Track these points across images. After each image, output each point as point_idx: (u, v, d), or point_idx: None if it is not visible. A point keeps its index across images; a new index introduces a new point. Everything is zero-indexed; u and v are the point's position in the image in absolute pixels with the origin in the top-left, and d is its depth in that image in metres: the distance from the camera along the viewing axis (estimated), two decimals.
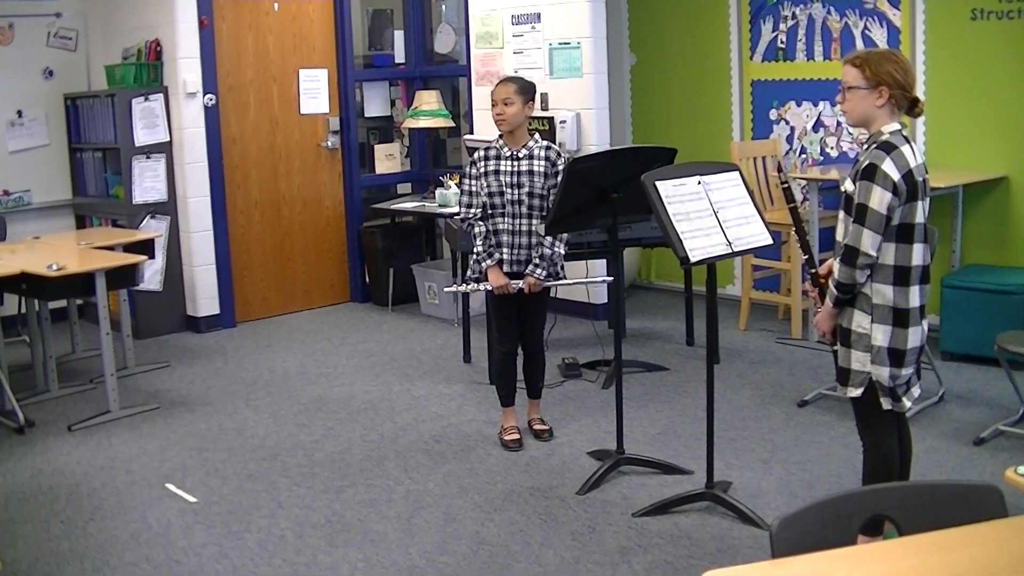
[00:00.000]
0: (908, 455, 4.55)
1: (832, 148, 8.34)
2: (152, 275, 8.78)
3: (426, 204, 9.27)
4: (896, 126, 4.21)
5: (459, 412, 6.78)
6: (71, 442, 6.53)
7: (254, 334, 8.98)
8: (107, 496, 5.68)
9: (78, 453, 6.33)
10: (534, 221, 5.88)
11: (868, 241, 4.12)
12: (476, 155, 6.00)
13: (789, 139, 8.60)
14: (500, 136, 5.96)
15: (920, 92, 7.58)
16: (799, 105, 8.50)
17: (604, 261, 7.95)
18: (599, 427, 6.36)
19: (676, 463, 5.68)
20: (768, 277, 8.53)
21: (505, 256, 5.94)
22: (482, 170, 5.93)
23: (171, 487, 5.76)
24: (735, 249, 4.85)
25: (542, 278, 5.89)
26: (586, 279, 6.70)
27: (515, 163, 5.87)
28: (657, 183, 4.77)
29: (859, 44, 7.95)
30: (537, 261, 5.87)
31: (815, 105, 8.38)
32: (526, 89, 5.87)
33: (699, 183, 4.89)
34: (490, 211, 5.94)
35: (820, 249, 7.32)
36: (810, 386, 6.81)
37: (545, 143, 5.95)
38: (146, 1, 8.88)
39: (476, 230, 5.96)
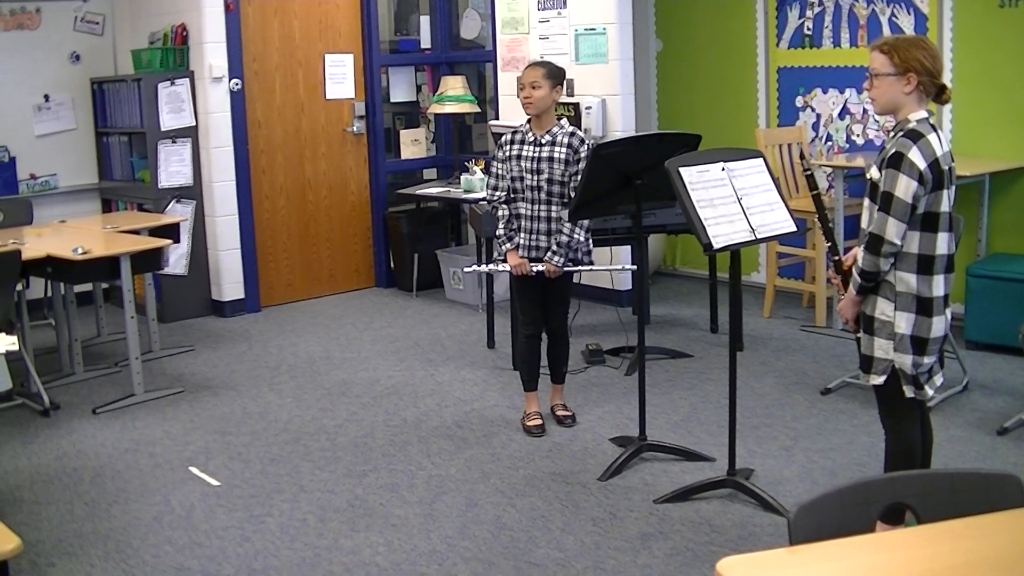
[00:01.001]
0: (929, 444, 4.54)
1: (858, 136, 8.30)
2: (177, 259, 8.82)
3: (451, 189, 9.27)
4: (924, 114, 4.18)
5: (482, 397, 6.79)
6: (96, 425, 6.57)
7: (279, 318, 9.01)
8: (131, 479, 5.71)
9: (102, 436, 6.37)
10: (553, 207, 5.87)
11: (893, 229, 4.09)
12: (504, 138, 6.01)
13: (815, 126, 8.56)
14: (528, 120, 5.96)
15: (947, 80, 7.53)
16: (825, 92, 8.46)
17: (629, 247, 7.94)
18: (622, 413, 6.36)
19: (698, 450, 5.68)
20: (793, 264, 8.50)
21: (523, 241, 5.95)
22: (508, 154, 5.94)
23: (194, 470, 5.79)
24: (759, 236, 4.84)
25: (560, 265, 5.88)
26: (608, 267, 6.68)
27: (537, 148, 5.86)
28: (681, 169, 4.75)
29: (886, 31, 7.90)
30: (555, 248, 5.87)
31: (841, 92, 8.34)
32: (554, 74, 5.86)
33: (723, 169, 4.87)
34: (512, 195, 5.94)
35: (845, 237, 7.30)
36: (834, 374, 6.79)
37: (570, 129, 5.93)
38: None
39: (500, 213, 5.97)
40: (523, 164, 5.88)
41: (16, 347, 4.70)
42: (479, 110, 9.84)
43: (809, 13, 8.46)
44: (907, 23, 7.81)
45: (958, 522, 2.45)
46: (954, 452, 5.55)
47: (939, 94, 4.23)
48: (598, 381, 7.00)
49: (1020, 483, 2.57)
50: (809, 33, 8.49)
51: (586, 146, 5.83)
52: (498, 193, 5.97)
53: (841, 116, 8.38)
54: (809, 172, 4.69)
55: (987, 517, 2.47)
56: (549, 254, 5.89)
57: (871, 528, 2.51)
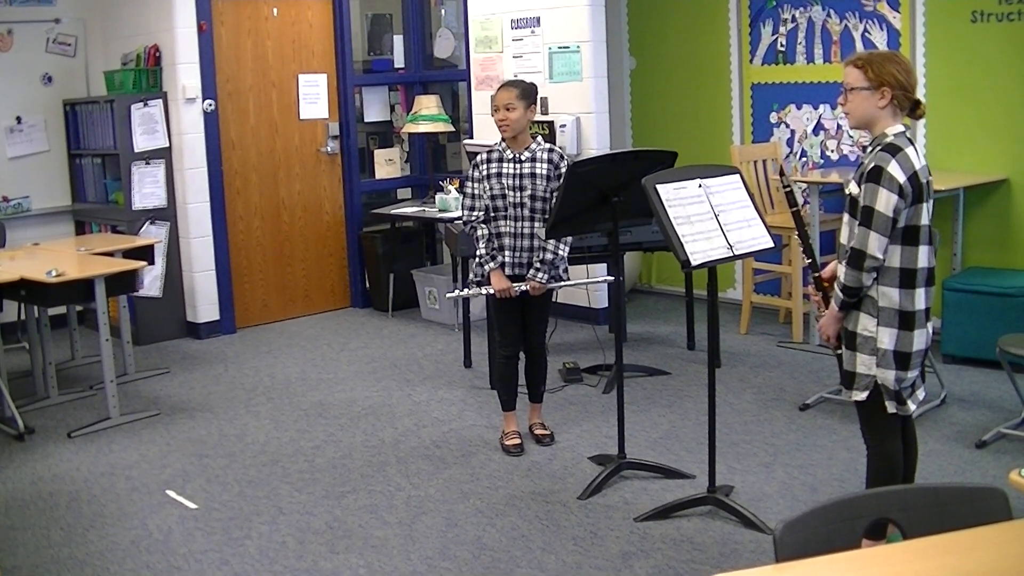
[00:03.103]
0: (914, 459, 4.54)
1: (832, 151, 8.32)
2: (152, 281, 8.77)
3: (426, 209, 9.26)
4: (900, 128, 4.20)
5: (460, 417, 6.77)
6: (71, 449, 6.51)
7: (254, 340, 8.97)
8: (107, 503, 5.66)
9: (78, 460, 6.32)
10: (536, 224, 5.87)
11: (875, 244, 4.10)
12: (479, 158, 5.99)
13: (789, 142, 8.58)
14: (503, 139, 5.95)
15: (920, 94, 7.55)
16: (799, 108, 8.49)
17: (605, 265, 7.93)
18: (600, 432, 6.35)
19: (678, 467, 5.66)
20: (769, 281, 8.52)
21: (507, 259, 5.93)
22: (484, 173, 5.92)
23: (171, 493, 5.75)
24: (736, 252, 4.84)
25: (544, 281, 5.88)
26: (587, 279, 6.67)
27: (518, 166, 5.85)
28: (658, 186, 4.75)
29: (859, 47, 7.94)
30: (538, 265, 5.86)
31: (815, 108, 8.37)
32: (528, 93, 5.86)
33: (700, 186, 4.87)
34: (493, 214, 5.93)
35: (821, 252, 7.31)
36: (812, 389, 6.79)
37: (547, 145, 5.94)
38: (145, 7, 8.88)
39: (479, 233, 5.95)
40: (504, 182, 5.86)
41: None
42: (453, 129, 9.84)
43: (782, 29, 8.49)
44: (880, 38, 7.84)
45: (944, 537, 2.44)
46: (933, 466, 5.55)
47: (913, 109, 4.25)
48: (576, 399, 6.99)
49: (1005, 497, 2.57)
50: (783, 49, 8.52)
51: (565, 161, 5.83)
52: (476, 213, 5.94)
53: (815, 132, 8.41)
54: (789, 189, 4.70)
55: (972, 531, 2.46)
56: (532, 271, 5.88)
57: (857, 544, 2.49)
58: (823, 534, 2.45)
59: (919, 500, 2.57)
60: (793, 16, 8.40)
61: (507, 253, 5.92)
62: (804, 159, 8.49)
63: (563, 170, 5.75)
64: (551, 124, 8.52)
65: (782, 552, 2.38)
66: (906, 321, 4.19)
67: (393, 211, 9.56)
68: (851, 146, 8.19)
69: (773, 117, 8.68)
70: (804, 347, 7.74)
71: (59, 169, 9.53)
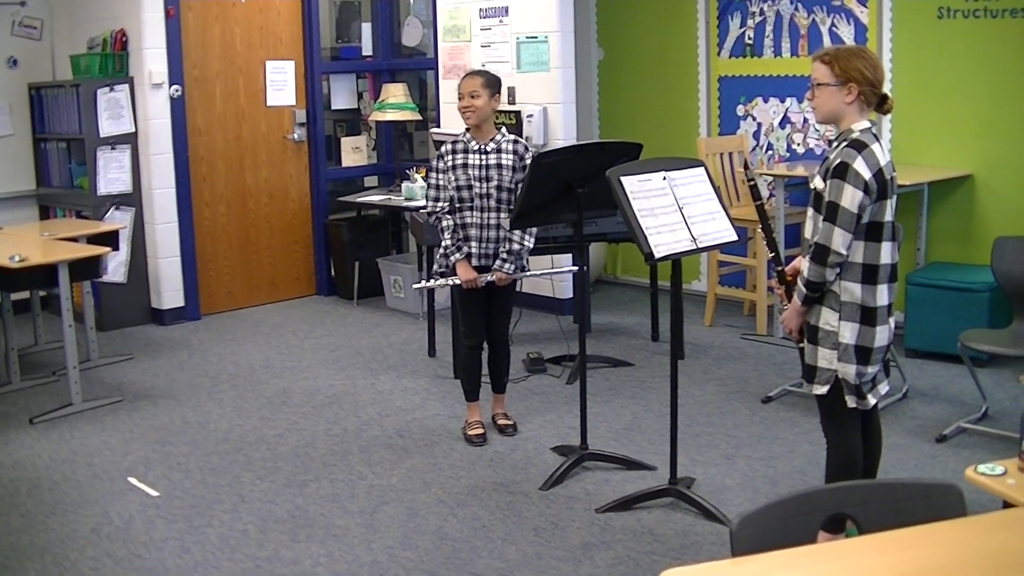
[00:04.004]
0: (878, 453, 4.57)
1: (799, 145, 8.35)
2: (116, 267, 8.73)
3: (392, 197, 9.24)
4: (866, 124, 4.21)
5: (423, 406, 6.77)
6: (33, 435, 6.48)
7: (219, 327, 8.93)
8: (68, 490, 5.64)
9: (39, 446, 6.29)
10: (502, 215, 5.87)
11: (839, 239, 4.11)
12: (443, 148, 5.98)
13: (756, 135, 8.61)
14: (467, 130, 5.95)
15: (887, 90, 7.58)
16: (766, 101, 8.51)
17: (570, 256, 7.94)
18: (563, 422, 6.36)
19: (640, 459, 5.68)
20: (734, 273, 8.55)
21: (474, 250, 5.93)
22: (450, 164, 5.91)
23: (133, 481, 5.73)
24: (700, 245, 4.85)
25: (510, 272, 5.88)
26: (552, 270, 6.68)
27: (483, 156, 5.85)
28: (622, 178, 4.76)
29: (826, 41, 7.97)
30: (505, 256, 5.86)
31: (782, 101, 8.40)
32: (492, 83, 5.87)
33: (664, 179, 4.88)
34: (458, 205, 5.92)
35: (786, 245, 7.35)
36: (775, 382, 6.83)
37: (512, 136, 5.95)
38: None
39: (444, 224, 5.94)
40: (471, 172, 5.86)
41: None
42: (420, 118, 9.82)
43: (750, 22, 8.51)
44: (847, 33, 7.87)
45: (900, 532, 2.46)
46: (894, 459, 5.58)
47: (880, 104, 4.27)
48: (539, 390, 7.00)
49: (960, 493, 2.59)
50: (750, 42, 8.54)
51: (530, 153, 5.84)
52: (440, 204, 5.94)
53: (782, 125, 8.44)
54: (753, 182, 4.71)
55: (928, 527, 2.48)
56: (499, 262, 5.88)
57: (814, 538, 2.51)
58: (779, 528, 2.46)
59: (875, 495, 2.59)
60: (761, 9, 8.42)
61: (473, 244, 5.92)
62: (770, 152, 8.52)
63: (528, 161, 5.75)
64: (518, 114, 8.52)
65: (738, 546, 2.40)
66: (868, 316, 4.21)
67: (359, 199, 9.53)
68: (817, 139, 8.23)
69: (740, 110, 8.70)
70: (768, 339, 7.78)
71: (24, 153, 9.45)
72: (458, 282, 5.92)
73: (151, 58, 8.66)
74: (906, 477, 5.26)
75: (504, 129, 5.99)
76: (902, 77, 7.65)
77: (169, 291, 8.99)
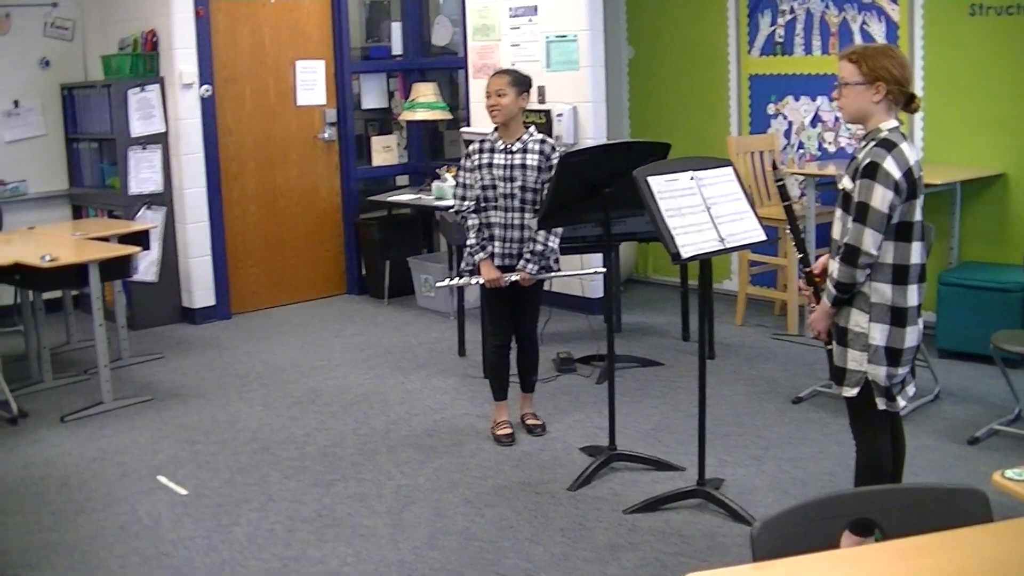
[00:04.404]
0: (901, 456, 4.53)
1: (830, 143, 8.31)
2: (147, 266, 8.77)
3: (422, 196, 9.25)
4: (894, 123, 4.17)
5: (452, 406, 6.77)
6: (63, 433, 6.52)
7: (249, 326, 8.96)
8: (98, 488, 5.67)
9: (70, 444, 6.32)
10: (526, 215, 5.86)
11: (869, 240, 4.07)
12: (471, 147, 5.99)
13: (787, 134, 8.57)
14: (495, 129, 5.94)
15: (918, 88, 7.56)
16: (797, 100, 8.47)
17: (600, 255, 7.92)
18: (592, 422, 6.34)
19: (668, 459, 5.66)
20: (765, 272, 8.50)
21: (497, 249, 5.92)
22: (476, 163, 5.92)
23: (162, 479, 5.75)
24: (728, 245, 4.83)
25: (534, 273, 5.87)
26: (578, 272, 6.66)
27: (508, 156, 5.85)
28: (649, 178, 4.74)
29: (857, 39, 7.91)
30: (528, 256, 5.85)
31: (813, 100, 8.35)
32: (520, 81, 5.85)
33: (692, 178, 4.86)
34: (483, 204, 5.92)
35: (817, 245, 7.31)
36: (805, 383, 6.78)
37: (540, 136, 5.93)
38: None
39: (469, 223, 5.95)
40: (495, 172, 5.86)
41: None
42: (451, 117, 9.82)
43: (780, 20, 8.47)
44: (878, 31, 7.82)
45: (923, 538, 2.43)
46: (924, 461, 5.55)
47: (908, 103, 4.22)
48: (569, 389, 6.99)
49: (985, 498, 2.56)
50: (780, 40, 8.50)
51: (557, 152, 5.82)
52: (467, 203, 5.94)
53: (813, 124, 8.39)
54: (781, 182, 4.68)
55: (951, 533, 2.46)
56: (522, 262, 5.88)
57: (836, 543, 2.49)
58: (801, 533, 2.44)
59: (899, 500, 2.57)
60: (791, 7, 8.38)
61: (497, 243, 5.92)
62: (801, 151, 8.47)
63: (555, 161, 5.73)
64: (548, 113, 8.51)
65: (760, 550, 2.38)
66: (898, 317, 4.18)
67: (389, 198, 9.55)
68: (848, 138, 8.18)
69: (771, 108, 8.66)
70: (799, 339, 7.74)
71: (56, 153, 9.52)
72: (481, 281, 5.92)
73: (181, 58, 8.70)
74: (930, 481, 5.23)
75: (533, 128, 5.98)
76: (934, 75, 7.60)
77: (200, 290, 9.03)
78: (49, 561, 4.85)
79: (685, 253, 4.66)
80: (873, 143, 4.11)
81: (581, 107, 8.44)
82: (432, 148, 10.48)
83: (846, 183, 4.19)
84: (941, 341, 7.20)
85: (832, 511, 2.51)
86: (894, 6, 7.73)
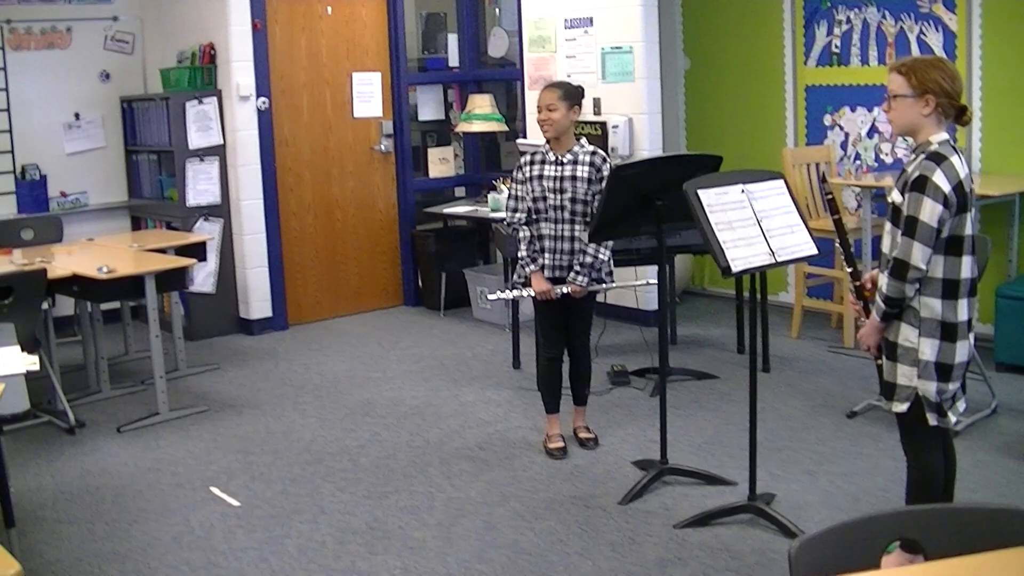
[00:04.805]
0: (952, 472, 4.47)
1: (887, 155, 8.23)
2: (205, 277, 8.85)
3: (478, 208, 9.26)
4: (944, 136, 4.13)
5: (506, 419, 6.77)
6: (119, 443, 6.58)
7: (305, 337, 9.01)
8: (152, 498, 5.72)
9: (125, 454, 6.39)
10: (577, 227, 5.86)
11: (918, 254, 4.04)
12: (522, 160, 6.00)
13: (843, 145, 8.50)
14: (547, 141, 5.94)
15: (976, 98, 7.49)
16: (853, 111, 8.40)
17: (655, 268, 7.89)
18: (645, 436, 6.32)
19: (720, 474, 5.63)
20: (822, 284, 8.43)
21: (547, 261, 5.93)
22: (527, 175, 5.92)
23: (215, 490, 5.79)
24: (778, 259, 4.79)
25: (584, 285, 5.86)
26: (630, 283, 6.65)
27: (559, 168, 5.85)
28: (699, 191, 4.72)
29: (914, 49, 7.84)
30: (578, 268, 5.85)
31: (869, 111, 8.27)
32: (571, 94, 5.85)
33: (742, 191, 4.84)
34: (535, 216, 5.92)
35: (873, 257, 7.24)
36: (860, 396, 6.71)
37: (591, 148, 5.92)
38: (201, 5, 8.95)
39: (521, 235, 5.95)
40: (545, 184, 5.86)
41: (36, 367, 4.72)
42: (506, 128, 9.83)
43: (837, 31, 8.41)
44: (935, 40, 7.74)
45: (964, 559, 2.40)
46: (980, 477, 5.48)
47: (959, 115, 4.18)
48: (622, 402, 6.97)
49: None
50: (837, 51, 8.44)
51: (608, 164, 5.82)
52: (518, 215, 5.95)
53: (869, 135, 8.32)
54: (830, 196, 4.65)
55: (994, 554, 2.42)
56: (572, 274, 5.87)
57: (876, 564, 2.46)
58: (841, 553, 2.41)
59: (940, 520, 2.53)
60: (848, 17, 8.31)
61: (547, 255, 5.92)
62: (858, 162, 8.40)
63: (605, 173, 5.72)
64: (603, 125, 8.49)
65: (797, 571, 2.35)
66: (948, 332, 4.13)
67: (445, 210, 9.58)
68: (906, 150, 8.10)
69: (827, 119, 8.59)
70: (855, 352, 7.65)
71: (116, 165, 9.64)
72: (532, 294, 5.92)
73: (239, 71, 8.78)
74: (979, 499, 5.16)
75: (584, 140, 5.97)
76: (992, 85, 7.51)
77: (257, 301, 9.09)
78: (102, 571, 4.90)
79: (735, 267, 4.64)
80: (923, 156, 4.08)
81: (636, 119, 8.42)
82: (488, 160, 10.50)
83: (895, 196, 4.15)
84: (999, 354, 7.10)
85: (872, 531, 2.47)
86: (952, 15, 7.65)
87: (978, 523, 2.51)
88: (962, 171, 4.06)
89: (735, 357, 7.83)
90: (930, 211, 3.99)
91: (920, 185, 4.01)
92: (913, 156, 4.18)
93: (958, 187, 4.02)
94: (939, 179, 3.98)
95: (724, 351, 8.00)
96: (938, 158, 4.04)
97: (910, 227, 4.04)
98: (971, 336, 4.23)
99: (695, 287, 9.92)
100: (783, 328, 8.35)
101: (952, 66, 4.20)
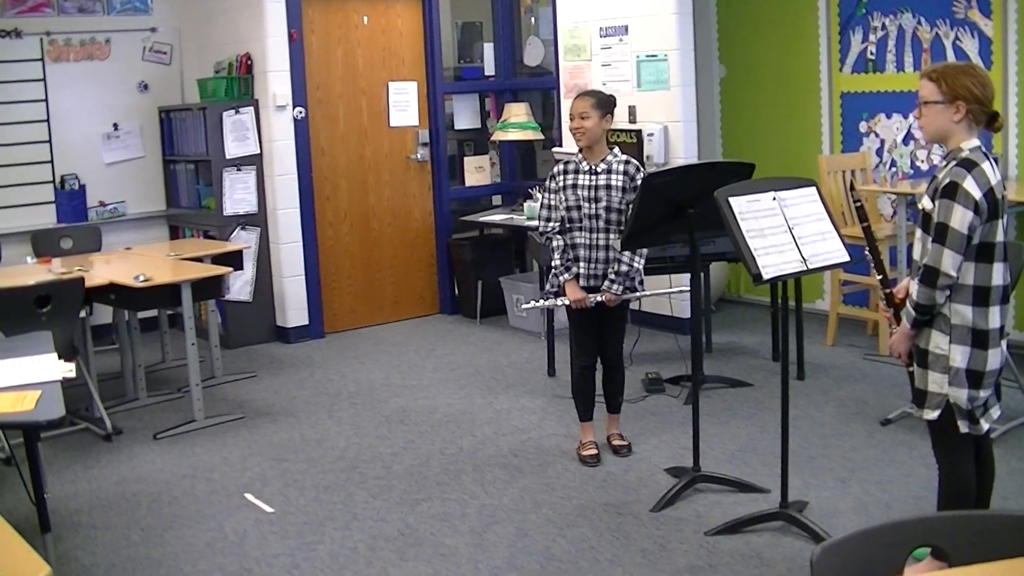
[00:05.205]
0: (990, 480, 4.44)
1: (922, 161, 8.19)
2: (242, 286, 8.91)
3: (514, 216, 9.29)
4: (975, 142, 4.12)
5: (540, 426, 6.77)
6: (156, 450, 6.63)
7: (342, 345, 9.05)
8: (187, 504, 5.76)
9: (162, 461, 6.43)
10: (611, 235, 5.86)
11: (949, 261, 4.02)
12: (556, 168, 6.00)
13: (879, 152, 8.46)
14: (580, 150, 5.95)
15: (1013, 104, 7.45)
16: (889, 117, 8.36)
17: (689, 275, 7.88)
18: (678, 443, 6.31)
19: (753, 481, 5.62)
20: (857, 292, 8.39)
21: (582, 270, 5.93)
22: (560, 184, 5.93)
23: (249, 497, 5.83)
24: (810, 266, 4.79)
25: (619, 293, 5.87)
26: (662, 291, 6.64)
27: (593, 177, 5.85)
28: (731, 199, 4.72)
29: (950, 55, 7.80)
30: (613, 276, 5.85)
31: (905, 118, 8.23)
32: (604, 103, 5.86)
33: (774, 199, 4.83)
34: (568, 225, 5.93)
35: (908, 264, 7.19)
36: (895, 404, 6.68)
37: (624, 157, 5.93)
38: (238, 15, 9.02)
39: (554, 244, 5.96)
40: (580, 193, 5.87)
41: (73, 374, 4.77)
42: (542, 137, 9.84)
43: (872, 37, 8.38)
44: (971, 47, 7.70)
45: (989, 566, 2.39)
46: (1015, 485, 5.44)
47: (990, 122, 4.16)
48: (656, 410, 6.96)
49: None
50: (872, 58, 8.41)
51: (642, 173, 5.82)
52: (551, 224, 5.96)
53: (905, 142, 8.28)
54: (859, 203, 4.63)
55: (1019, 561, 2.41)
56: (607, 283, 5.88)
57: (899, 571, 2.46)
58: (863, 560, 2.41)
59: (965, 527, 2.52)
60: (883, 24, 8.28)
61: (582, 264, 5.93)
62: (893, 169, 8.36)
63: (639, 182, 5.72)
64: (639, 133, 8.50)
65: None
66: (980, 340, 4.11)
67: (481, 218, 9.60)
68: (942, 156, 8.04)
69: (863, 126, 8.56)
70: (890, 360, 7.56)
71: (154, 175, 9.71)
72: (567, 302, 5.93)
73: (275, 80, 8.84)
74: (1000, 508, 5.13)
75: (617, 149, 5.98)
76: None
77: (293, 309, 9.14)
78: None
79: (766, 274, 4.64)
80: (954, 163, 4.06)
81: (672, 127, 8.42)
82: (525, 168, 10.51)
83: (926, 203, 4.14)
84: None
85: (896, 538, 2.47)
86: (988, 21, 7.61)
87: (1004, 530, 2.50)
88: (993, 178, 4.04)
89: (770, 365, 7.81)
90: (960, 218, 3.98)
91: (951, 191, 4.00)
92: (944, 163, 4.16)
93: (989, 193, 4.00)
94: (970, 185, 3.97)
95: (759, 359, 7.98)
96: (969, 164, 4.02)
97: (940, 234, 4.03)
98: (1004, 343, 4.21)
99: (731, 295, 9.90)
100: (819, 336, 8.32)
101: (983, 72, 4.18)
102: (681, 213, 5.44)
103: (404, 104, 9.66)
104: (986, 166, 4.05)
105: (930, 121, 4.18)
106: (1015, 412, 6.25)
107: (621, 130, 8.45)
